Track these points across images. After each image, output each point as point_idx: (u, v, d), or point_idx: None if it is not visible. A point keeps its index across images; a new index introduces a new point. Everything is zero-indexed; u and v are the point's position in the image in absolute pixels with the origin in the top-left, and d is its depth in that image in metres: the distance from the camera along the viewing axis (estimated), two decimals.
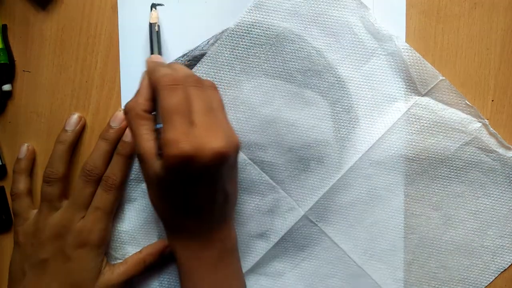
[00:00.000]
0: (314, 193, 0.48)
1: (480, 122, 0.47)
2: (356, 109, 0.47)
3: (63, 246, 0.45)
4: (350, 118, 0.47)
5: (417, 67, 0.46)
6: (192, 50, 0.47)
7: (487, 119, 0.47)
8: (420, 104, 0.47)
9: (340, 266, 0.49)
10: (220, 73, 0.47)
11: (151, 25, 0.46)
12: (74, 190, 0.46)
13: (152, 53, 0.46)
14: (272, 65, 0.46)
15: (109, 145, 0.46)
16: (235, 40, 0.46)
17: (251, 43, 0.46)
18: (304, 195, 0.48)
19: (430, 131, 0.47)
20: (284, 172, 0.47)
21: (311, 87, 0.47)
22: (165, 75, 0.38)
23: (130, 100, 0.40)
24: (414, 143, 0.47)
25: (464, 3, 0.47)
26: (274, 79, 0.47)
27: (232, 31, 0.46)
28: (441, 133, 0.47)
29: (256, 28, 0.46)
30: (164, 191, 0.40)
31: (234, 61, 0.47)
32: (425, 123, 0.47)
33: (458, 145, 0.47)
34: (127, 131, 0.47)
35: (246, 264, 0.49)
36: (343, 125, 0.47)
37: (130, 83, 0.48)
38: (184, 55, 0.47)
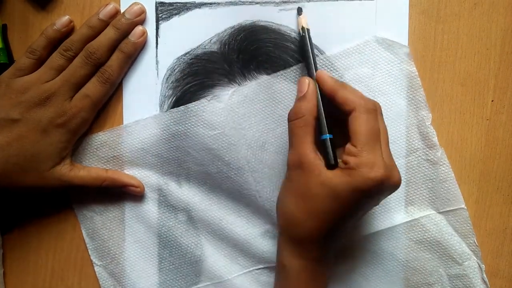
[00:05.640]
0: None
1: (478, 264, 0.47)
2: None
3: (42, 117, 0.45)
4: None
5: (446, 185, 0.47)
6: (194, 49, 0.47)
7: (487, 119, 0.47)
8: (433, 219, 0.47)
9: None
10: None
11: (303, 31, 0.45)
12: (71, 68, 0.46)
13: (307, 59, 0.45)
14: None
15: (117, 34, 0.46)
16: None
17: None
18: None
19: (428, 246, 0.48)
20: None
21: None
22: (363, 98, 0.41)
23: (302, 105, 0.41)
24: (410, 248, 0.48)
25: (464, 3, 0.47)
26: None
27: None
28: (437, 253, 0.48)
29: None
30: (325, 206, 0.39)
31: None
32: (428, 237, 0.47)
33: (448, 273, 0.48)
34: (136, 29, 0.47)
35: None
36: None
37: (130, 83, 0.48)
38: (186, 53, 0.47)
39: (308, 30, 0.45)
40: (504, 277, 0.48)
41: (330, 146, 0.41)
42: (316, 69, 0.44)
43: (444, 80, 0.47)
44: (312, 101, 0.41)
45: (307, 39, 0.45)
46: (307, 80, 0.42)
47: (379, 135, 0.39)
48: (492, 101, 0.47)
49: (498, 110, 0.47)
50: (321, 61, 0.47)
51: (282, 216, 0.42)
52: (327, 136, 0.41)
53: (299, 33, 0.46)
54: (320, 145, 0.41)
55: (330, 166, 0.40)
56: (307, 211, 0.40)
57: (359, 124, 0.39)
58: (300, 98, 0.42)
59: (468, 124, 0.48)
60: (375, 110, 0.40)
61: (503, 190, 0.48)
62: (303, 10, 0.46)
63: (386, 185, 0.38)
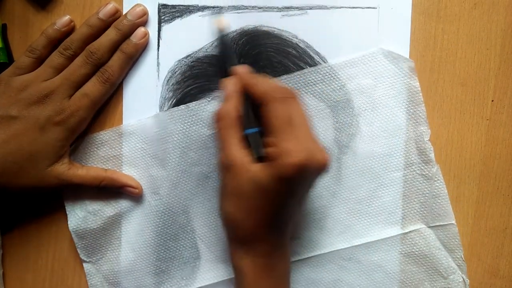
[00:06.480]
0: None
1: (463, 278, 0.47)
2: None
3: (40, 115, 0.45)
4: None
5: (439, 201, 0.47)
6: (196, 52, 0.47)
7: (487, 119, 0.47)
8: (422, 233, 0.47)
9: None
10: None
11: (221, 33, 0.45)
12: (71, 67, 0.46)
13: (227, 61, 0.44)
14: None
15: (118, 36, 0.46)
16: None
17: None
18: None
19: (416, 259, 0.48)
20: None
21: None
22: (274, 88, 0.40)
23: (222, 107, 0.41)
24: (398, 261, 0.48)
25: (464, 3, 0.47)
26: None
27: None
28: (423, 266, 0.48)
29: None
30: (257, 201, 0.39)
31: None
32: (416, 250, 0.48)
33: (433, 286, 0.48)
34: (138, 30, 0.47)
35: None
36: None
37: (131, 84, 0.48)
38: (187, 56, 0.47)
39: (225, 30, 0.45)
40: (504, 277, 0.48)
41: (254, 141, 0.40)
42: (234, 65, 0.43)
43: (444, 80, 0.47)
44: (231, 101, 0.41)
45: (225, 39, 0.45)
46: (225, 82, 0.42)
47: (292, 121, 0.38)
48: (492, 101, 0.47)
49: (498, 110, 0.47)
50: (324, 69, 0.47)
51: (224, 220, 0.41)
52: (249, 131, 0.41)
53: (218, 34, 0.45)
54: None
55: (259, 159, 0.40)
56: (244, 210, 0.39)
57: (271, 115, 0.39)
58: (222, 100, 0.42)
59: (468, 124, 0.48)
60: (285, 98, 0.39)
61: (503, 190, 0.48)
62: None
63: (310, 167, 0.37)
